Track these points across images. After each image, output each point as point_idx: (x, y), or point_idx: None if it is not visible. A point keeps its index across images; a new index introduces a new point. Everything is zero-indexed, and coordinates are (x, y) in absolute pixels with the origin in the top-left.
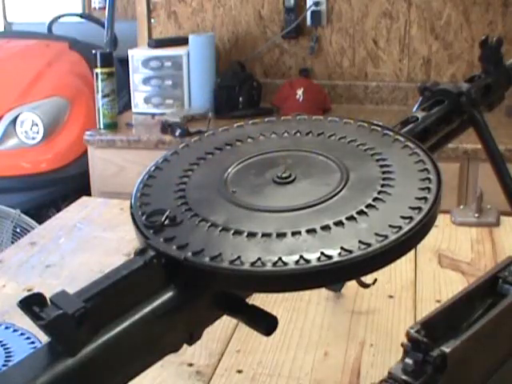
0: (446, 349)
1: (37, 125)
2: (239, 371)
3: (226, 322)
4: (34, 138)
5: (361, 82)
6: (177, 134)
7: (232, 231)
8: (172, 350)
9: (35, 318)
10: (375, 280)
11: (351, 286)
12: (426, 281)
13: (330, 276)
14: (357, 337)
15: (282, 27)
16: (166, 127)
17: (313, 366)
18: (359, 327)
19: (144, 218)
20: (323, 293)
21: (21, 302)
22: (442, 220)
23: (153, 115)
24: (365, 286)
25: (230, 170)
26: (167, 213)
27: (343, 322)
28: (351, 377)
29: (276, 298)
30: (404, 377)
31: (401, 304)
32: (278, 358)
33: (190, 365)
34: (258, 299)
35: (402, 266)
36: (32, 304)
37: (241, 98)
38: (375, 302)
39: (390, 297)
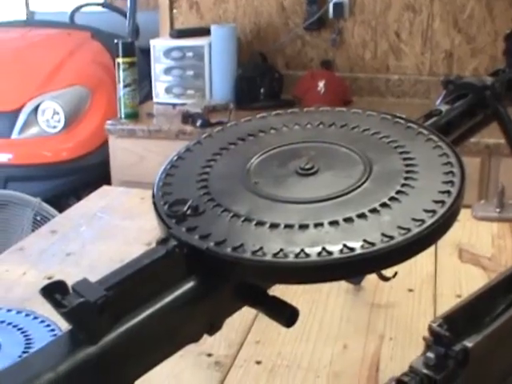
0: (469, 344)
1: (58, 114)
2: (258, 362)
3: (245, 313)
4: (55, 127)
5: (382, 75)
6: (198, 124)
7: (254, 222)
8: (192, 340)
9: (57, 305)
10: (395, 273)
11: (371, 278)
12: (446, 275)
13: (352, 268)
14: (376, 330)
15: (304, 19)
16: (187, 117)
17: (332, 359)
18: (379, 320)
19: (166, 207)
20: (343, 285)
21: (43, 289)
22: (462, 214)
23: (174, 105)
24: (385, 279)
25: (252, 160)
26: (190, 202)
27: (363, 315)
28: (370, 370)
29: (296, 289)
30: (425, 371)
31: (420, 298)
32: (297, 350)
33: (209, 355)
34: (278, 291)
35: (423, 259)
36: (54, 291)
37: (262, 90)
38: (395, 296)
39: (410, 290)
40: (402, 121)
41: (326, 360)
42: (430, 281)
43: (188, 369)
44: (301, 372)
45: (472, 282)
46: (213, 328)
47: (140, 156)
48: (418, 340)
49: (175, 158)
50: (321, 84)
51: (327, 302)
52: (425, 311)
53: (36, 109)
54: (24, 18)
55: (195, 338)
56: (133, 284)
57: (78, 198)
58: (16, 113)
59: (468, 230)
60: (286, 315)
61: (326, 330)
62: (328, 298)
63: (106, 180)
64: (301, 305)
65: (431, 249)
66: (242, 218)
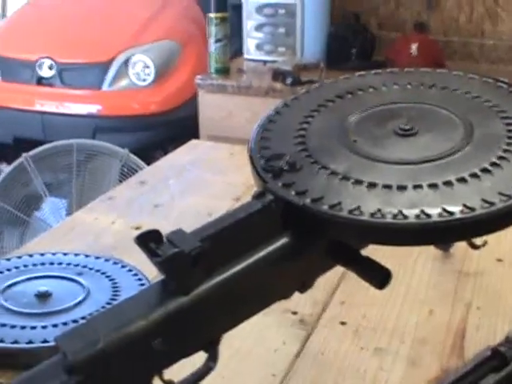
0: None
1: (148, 67)
2: (343, 323)
3: (331, 274)
4: (145, 80)
5: (477, 40)
6: (288, 82)
7: (352, 180)
8: (283, 296)
9: (151, 254)
10: (485, 242)
11: (460, 246)
12: None
13: (450, 233)
14: (463, 298)
15: None
16: (278, 75)
17: (417, 324)
18: (466, 289)
19: (263, 161)
20: (431, 251)
21: (138, 238)
22: None
23: (264, 62)
24: (475, 247)
25: (351, 118)
26: (287, 158)
27: (450, 282)
28: (455, 338)
29: (384, 252)
30: None
31: (510, 268)
32: (383, 313)
33: (294, 313)
34: (365, 253)
35: None
36: (148, 240)
37: (354, 50)
38: (483, 265)
39: (499, 260)
40: (504, 85)
41: (411, 325)
42: None
43: (272, 326)
44: (385, 335)
45: None
46: (304, 286)
47: (229, 111)
48: (506, 311)
49: (273, 113)
50: (414, 47)
51: (415, 267)
52: None
53: (127, 61)
54: None
55: (286, 295)
56: (227, 237)
57: (165, 151)
58: (107, 64)
59: None
60: (380, 277)
61: (413, 295)
62: (415, 263)
63: (193, 134)
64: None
65: None
66: (340, 176)
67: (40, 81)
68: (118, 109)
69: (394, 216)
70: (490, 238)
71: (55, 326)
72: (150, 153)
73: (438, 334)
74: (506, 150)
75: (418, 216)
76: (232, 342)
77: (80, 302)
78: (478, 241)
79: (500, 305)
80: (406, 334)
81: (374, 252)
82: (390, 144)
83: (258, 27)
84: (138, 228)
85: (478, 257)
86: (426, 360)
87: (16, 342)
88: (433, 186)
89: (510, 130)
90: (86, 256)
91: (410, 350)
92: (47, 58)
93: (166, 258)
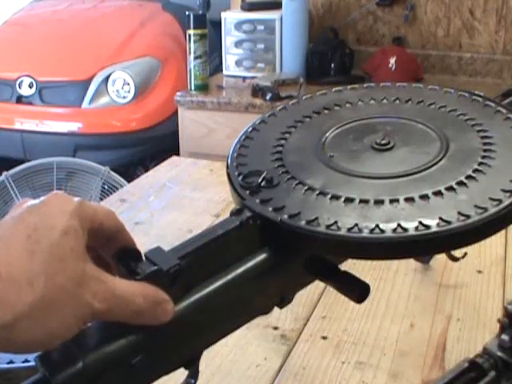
0: None
1: (128, 84)
2: (324, 337)
3: (312, 288)
4: (125, 97)
5: (455, 53)
6: (267, 97)
7: (329, 196)
8: (263, 312)
9: (130, 272)
10: (465, 254)
11: (440, 258)
12: None
13: (427, 246)
14: (443, 310)
15: None
16: (257, 91)
17: (398, 337)
18: (446, 301)
19: (240, 178)
20: (411, 264)
21: (116, 256)
22: None
23: (244, 78)
24: (454, 259)
25: (327, 134)
26: (264, 174)
27: (430, 295)
28: (436, 350)
29: (363, 266)
30: (500, 353)
31: (489, 280)
32: (364, 327)
33: (275, 328)
34: (345, 267)
35: (492, 241)
36: (128, 258)
37: (332, 65)
38: (463, 277)
39: (479, 272)
40: (479, 99)
41: (392, 338)
42: (500, 263)
43: (254, 341)
44: (366, 349)
45: None
46: (284, 301)
47: (209, 128)
48: (486, 322)
49: (250, 129)
50: (392, 60)
51: (395, 280)
52: (493, 293)
53: (107, 79)
54: None
55: (266, 310)
56: (206, 254)
57: (146, 169)
58: (87, 82)
59: None
60: (358, 291)
61: (393, 308)
62: (396, 275)
63: (174, 151)
64: (368, 282)
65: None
66: (317, 192)
67: (19, 99)
68: (98, 126)
69: (371, 230)
70: (470, 249)
71: None
72: (130, 170)
73: (419, 346)
74: (481, 163)
75: (394, 230)
76: (213, 357)
77: None
78: (457, 253)
79: (480, 316)
80: (387, 347)
81: (354, 266)
82: (366, 159)
83: (238, 43)
84: None
85: (458, 269)
86: (407, 373)
87: None
88: (409, 199)
89: (485, 143)
90: None
91: (391, 363)
92: (27, 76)
93: (144, 276)
